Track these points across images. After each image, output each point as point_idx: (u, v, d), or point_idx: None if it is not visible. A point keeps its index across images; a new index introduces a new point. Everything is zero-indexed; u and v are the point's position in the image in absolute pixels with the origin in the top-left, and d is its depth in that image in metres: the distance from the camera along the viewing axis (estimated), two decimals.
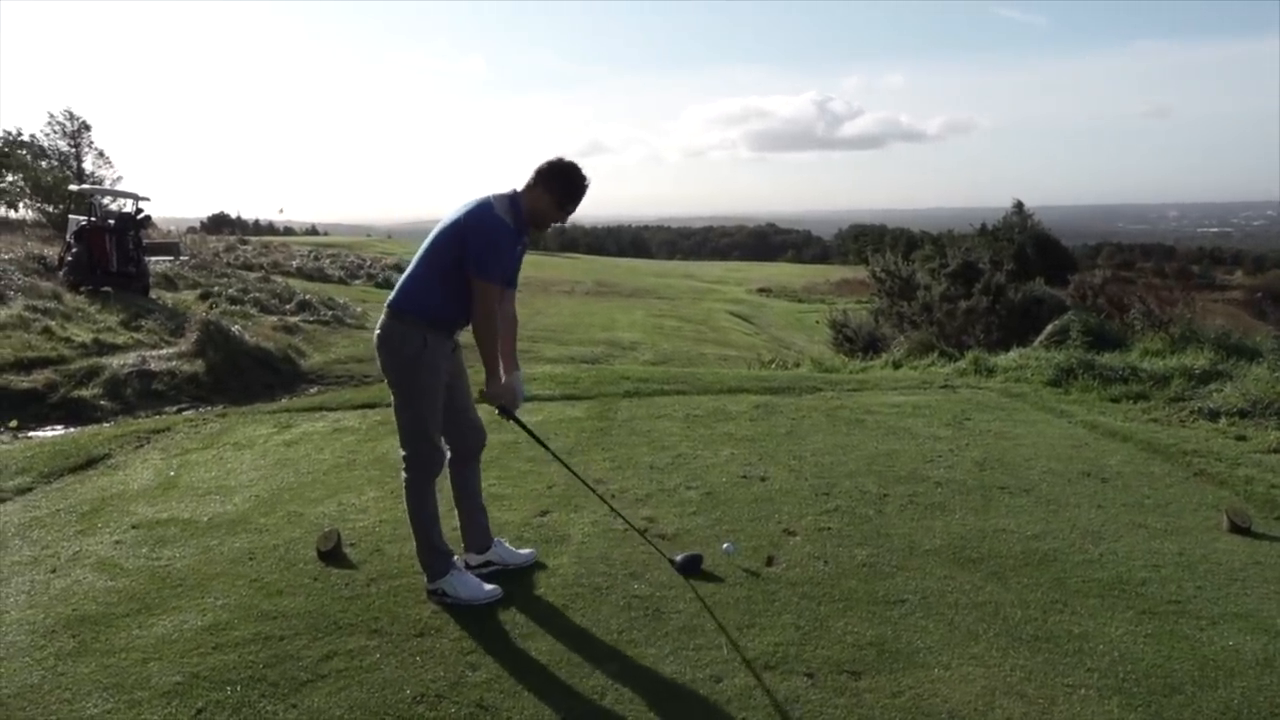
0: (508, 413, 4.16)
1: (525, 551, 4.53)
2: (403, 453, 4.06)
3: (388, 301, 4.00)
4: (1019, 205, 58.12)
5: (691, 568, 4.31)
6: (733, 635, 3.70)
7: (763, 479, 5.75)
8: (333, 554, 4.49)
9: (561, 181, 3.95)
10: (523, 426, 4.34)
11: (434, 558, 4.05)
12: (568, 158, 3.98)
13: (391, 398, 4.04)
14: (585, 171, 3.99)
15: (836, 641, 3.65)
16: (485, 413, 4.35)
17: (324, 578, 4.28)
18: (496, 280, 3.89)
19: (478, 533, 4.34)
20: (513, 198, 3.95)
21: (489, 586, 4.06)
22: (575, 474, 4.66)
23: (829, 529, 4.89)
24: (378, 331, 4.00)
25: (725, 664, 3.49)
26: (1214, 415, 7.43)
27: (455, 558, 4.18)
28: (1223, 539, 4.76)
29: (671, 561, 4.36)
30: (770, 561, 4.45)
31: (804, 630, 3.74)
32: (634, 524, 4.71)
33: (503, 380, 4.09)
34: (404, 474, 4.07)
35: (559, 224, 4.14)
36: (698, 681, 3.37)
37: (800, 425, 7.25)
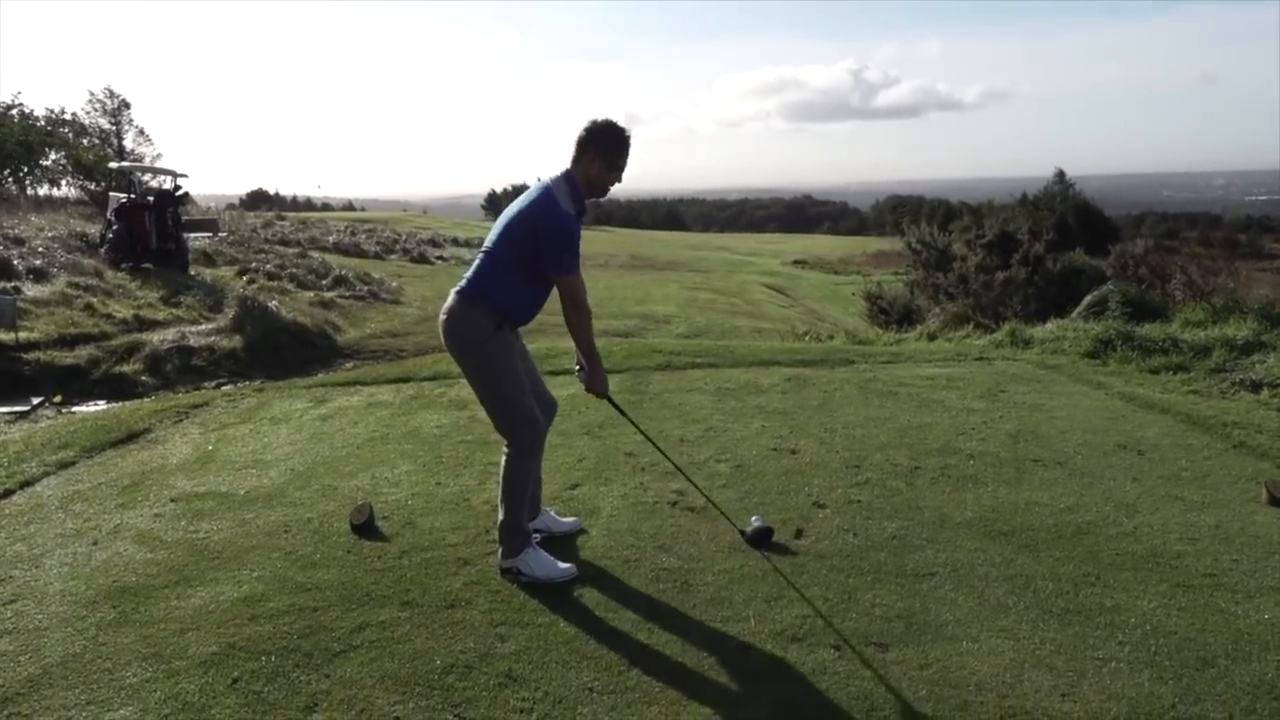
0: (609, 399, 4.23)
1: (569, 520, 4.58)
2: (502, 433, 4.06)
3: (459, 288, 3.98)
4: (1060, 174, 57.14)
5: (763, 539, 4.30)
6: (760, 607, 3.71)
7: (793, 452, 5.73)
8: (366, 527, 4.55)
9: (606, 143, 3.92)
10: (621, 411, 4.44)
11: (515, 535, 4.04)
12: (600, 118, 3.95)
13: (471, 385, 4.07)
14: (622, 124, 3.96)
15: (864, 614, 3.65)
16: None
17: (357, 550, 4.34)
18: (578, 271, 3.91)
19: (531, 500, 4.35)
20: (568, 176, 3.93)
21: (564, 565, 4.06)
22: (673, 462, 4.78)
23: (859, 502, 4.87)
24: (444, 317, 3.98)
25: (752, 636, 3.50)
26: (1256, 387, 7.30)
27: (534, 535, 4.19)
28: (1262, 512, 4.69)
29: (742, 533, 4.36)
30: (799, 534, 4.45)
31: (832, 603, 3.74)
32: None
33: (600, 368, 4.13)
34: (506, 449, 4.04)
35: (617, 183, 4.05)
36: (725, 653, 3.39)
37: (832, 398, 7.22)
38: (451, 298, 3.98)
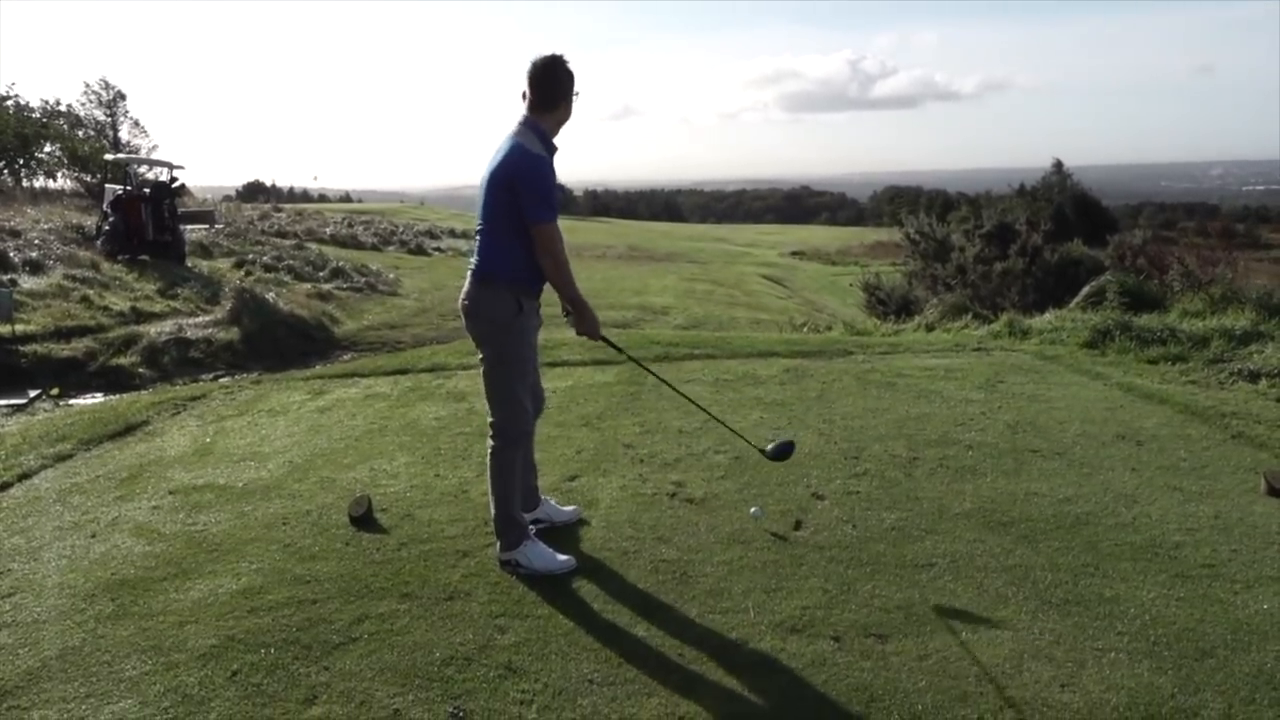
0: (604, 338, 4.24)
1: (570, 509, 4.59)
2: (490, 419, 4.05)
3: (471, 270, 3.98)
4: (1058, 165, 57.22)
5: (785, 452, 4.50)
6: (760, 599, 3.71)
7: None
8: (364, 519, 4.54)
9: (557, 83, 3.87)
10: (618, 348, 4.57)
11: (510, 527, 4.03)
12: (539, 61, 3.87)
13: (481, 363, 4.06)
14: (559, 54, 3.89)
15: (864, 605, 3.65)
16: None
17: (355, 542, 4.33)
18: (554, 218, 3.86)
19: (526, 492, 4.33)
20: (530, 124, 3.88)
21: (562, 557, 4.05)
22: (707, 412, 5.06)
23: (858, 493, 4.87)
24: (465, 301, 3.98)
25: (752, 627, 3.50)
26: (1254, 377, 7.30)
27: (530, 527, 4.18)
28: (1260, 502, 4.69)
29: (762, 451, 4.48)
30: (798, 525, 4.45)
31: (831, 594, 3.74)
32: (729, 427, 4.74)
33: (587, 311, 4.06)
34: (491, 441, 4.04)
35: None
36: (724, 645, 3.39)
37: (830, 389, 7.21)
38: (468, 282, 3.98)
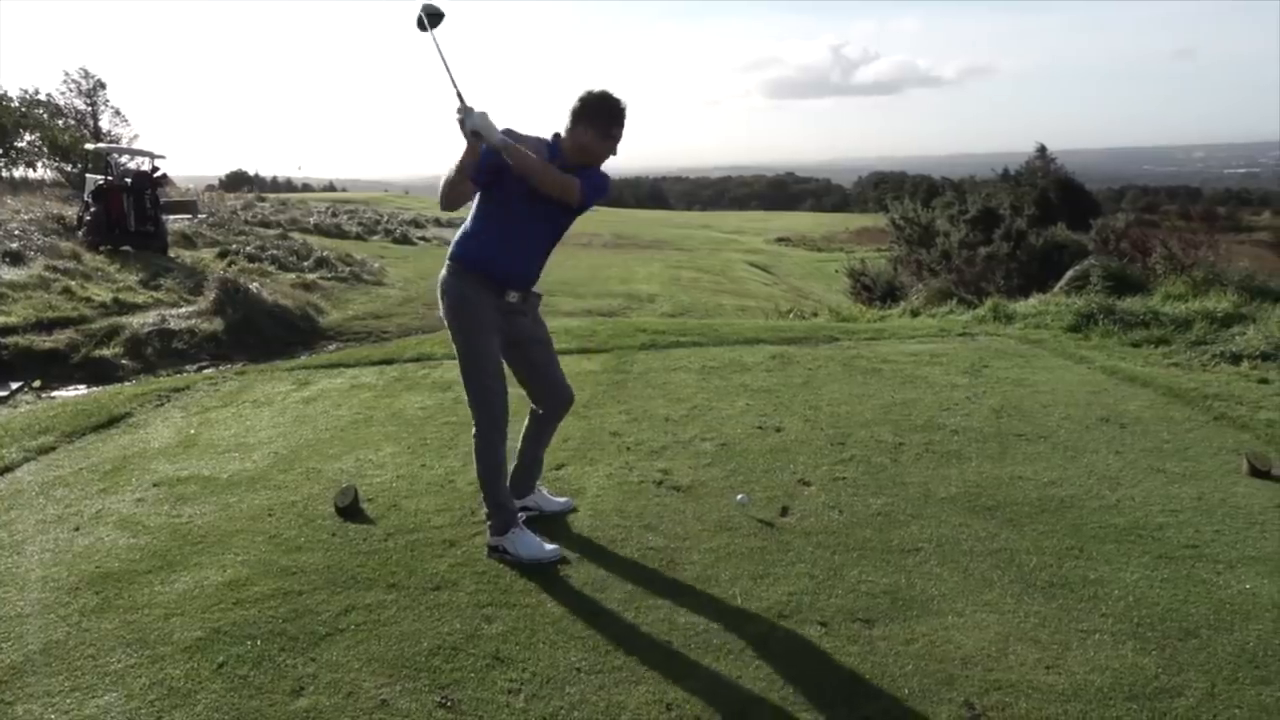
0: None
1: (562, 499, 4.58)
2: (469, 408, 4.06)
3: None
4: (1042, 149, 57.32)
5: None
6: (746, 585, 3.72)
7: (778, 430, 5.74)
8: (350, 510, 4.52)
9: (597, 113, 3.85)
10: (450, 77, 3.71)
11: (496, 513, 4.03)
12: (595, 88, 3.88)
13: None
14: (617, 95, 3.88)
15: (850, 590, 3.66)
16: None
17: (342, 533, 4.32)
18: (576, 191, 3.77)
19: (524, 477, 4.35)
20: (554, 137, 3.91)
21: (549, 546, 4.03)
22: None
23: (844, 478, 4.88)
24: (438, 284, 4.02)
25: (739, 614, 3.50)
26: (1236, 359, 7.35)
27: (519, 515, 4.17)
28: (1242, 483, 4.73)
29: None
30: (784, 512, 4.46)
31: (818, 579, 3.75)
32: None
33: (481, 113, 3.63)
34: (474, 426, 4.03)
35: (613, 155, 3.94)
36: (712, 631, 3.39)
37: (816, 375, 7.22)
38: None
